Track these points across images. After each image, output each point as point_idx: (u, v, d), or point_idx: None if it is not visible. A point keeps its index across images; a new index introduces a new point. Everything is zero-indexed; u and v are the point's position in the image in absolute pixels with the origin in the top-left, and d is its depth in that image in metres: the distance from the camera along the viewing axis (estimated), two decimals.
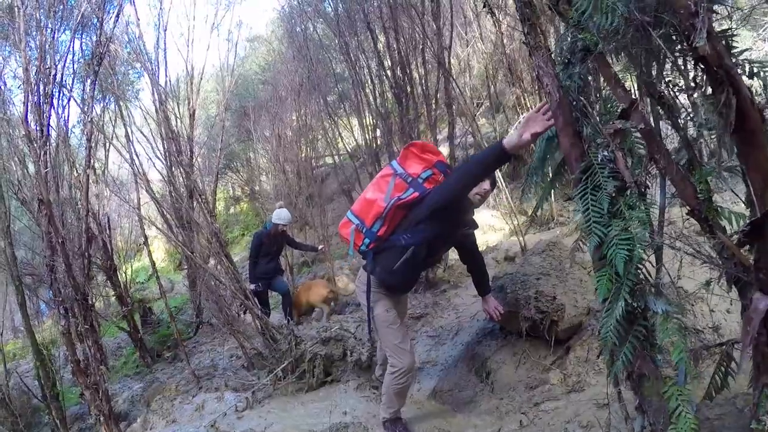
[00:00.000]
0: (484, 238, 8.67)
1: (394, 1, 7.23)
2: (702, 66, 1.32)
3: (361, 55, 8.85)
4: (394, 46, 7.36)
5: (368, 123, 10.20)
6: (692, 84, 1.47)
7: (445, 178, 3.44)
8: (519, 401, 3.79)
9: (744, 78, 1.49)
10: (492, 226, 9.08)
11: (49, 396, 5.78)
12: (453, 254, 8.20)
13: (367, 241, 3.52)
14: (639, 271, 1.83)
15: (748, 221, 1.44)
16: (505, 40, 8.65)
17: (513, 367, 4.24)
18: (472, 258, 4.11)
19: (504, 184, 7.49)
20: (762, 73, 1.50)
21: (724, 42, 1.45)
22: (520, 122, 2.64)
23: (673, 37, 1.51)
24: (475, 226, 3.92)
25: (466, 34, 11.64)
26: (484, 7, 7.82)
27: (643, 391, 1.90)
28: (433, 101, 7.60)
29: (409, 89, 7.38)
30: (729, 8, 1.50)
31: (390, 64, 7.62)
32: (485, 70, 11.23)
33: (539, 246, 4.74)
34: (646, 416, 1.95)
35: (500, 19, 7.90)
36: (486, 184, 3.59)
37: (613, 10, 1.59)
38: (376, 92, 8.66)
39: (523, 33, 2.13)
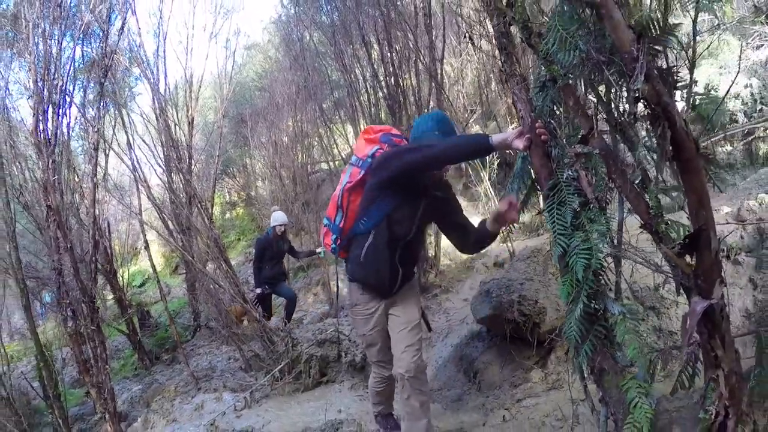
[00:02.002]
0: None
1: (388, 14, 7.44)
2: (643, 102, 1.55)
3: (356, 63, 9.04)
4: (388, 57, 7.57)
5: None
6: (636, 117, 1.70)
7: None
8: (503, 398, 4.02)
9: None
10: None
11: (52, 396, 5.91)
12: (445, 259, 8.44)
13: (334, 237, 3.34)
14: (600, 277, 2.06)
15: (685, 235, 1.67)
16: (495, 52, 8.84)
17: (498, 367, 4.46)
18: (464, 230, 3.27)
19: (493, 192, 7.72)
20: (702, 105, 1.71)
21: (670, 78, 1.68)
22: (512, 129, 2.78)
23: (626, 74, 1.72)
24: (449, 188, 3.31)
25: (459, 44, 11.87)
26: (465, 37, 8.07)
27: (604, 384, 2.12)
28: (426, 111, 7.81)
29: (402, 99, 7.58)
30: (674, 47, 1.71)
31: (384, 74, 7.82)
32: (478, 78, 11.48)
33: (525, 252, 4.96)
34: (608, 407, 2.17)
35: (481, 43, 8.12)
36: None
37: (575, 48, 1.82)
38: (371, 101, 8.86)
39: (500, 61, 2.36)
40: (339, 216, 3.28)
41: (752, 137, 7.42)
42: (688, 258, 1.70)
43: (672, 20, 1.66)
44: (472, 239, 3.23)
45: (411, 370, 3.14)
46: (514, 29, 2.37)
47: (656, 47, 1.65)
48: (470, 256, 8.25)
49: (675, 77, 1.70)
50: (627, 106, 1.79)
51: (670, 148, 1.55)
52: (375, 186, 3.03)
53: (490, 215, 3.09)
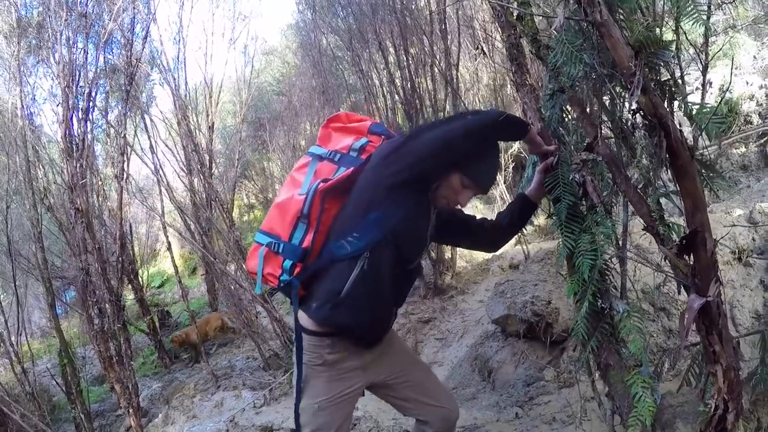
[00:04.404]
0: None
1: (404, 21, 7.54)
2: (640, 114, 1.66)
3: (373, 68, 9.09)
4: (405, 62, 7.66)
5: None
6: (635, 126, 1.82)
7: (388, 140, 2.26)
8: (516, 396, 4.12)
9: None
10: None
11: (75, 392, 6.07)
12: (461, 261, 8.53)
13: (288, 264, 2.12)
14: (605, 276, 2.17)
15: (681, 237, 1.78)
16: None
17: (512, 366, 4.56)
18: (482, 228, 2.50)
19: (508, 195, 7.81)
20: (698, 115, 1.80)
21: (668, 88, 1.80)
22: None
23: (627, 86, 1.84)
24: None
25: (475, 49, 11.93)
26: (476, 49, 8.16)
27: (610, 379, 2.24)
28: (442, 115, 7.88)
29: (418, 104, 7.67)
30: (671, 62, 1.81)
31: (400, 79, 7.91)
32: (493, 82, 11.56)
33: (539, 254, 5.07)
34: (614, 402, 2.28)
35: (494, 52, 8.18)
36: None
37: (580, 61, 1.93)
38: (387, 105, 8.91)
39: (510, 71, 2.48)
40: (301, 231, 2.13)
41: (767, 139, 7.41)
42: (686, 258, 1.81)
43: (684, 23, 1.77)
44: (498, 227, 2.48)
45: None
46: (524, 41, 2.50)
47: (654, 61, 1.76)
48: (486, 257, 8.33)
49: (672, 89, 1.81)
50: (628, 114, 1.90)
51: (666, 155, 1.66)
52: (392, 183, 2.03)
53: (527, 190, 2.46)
